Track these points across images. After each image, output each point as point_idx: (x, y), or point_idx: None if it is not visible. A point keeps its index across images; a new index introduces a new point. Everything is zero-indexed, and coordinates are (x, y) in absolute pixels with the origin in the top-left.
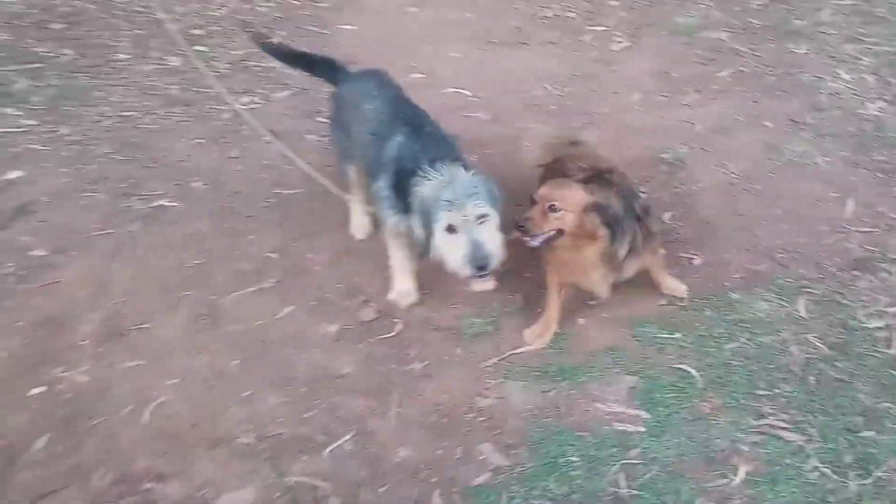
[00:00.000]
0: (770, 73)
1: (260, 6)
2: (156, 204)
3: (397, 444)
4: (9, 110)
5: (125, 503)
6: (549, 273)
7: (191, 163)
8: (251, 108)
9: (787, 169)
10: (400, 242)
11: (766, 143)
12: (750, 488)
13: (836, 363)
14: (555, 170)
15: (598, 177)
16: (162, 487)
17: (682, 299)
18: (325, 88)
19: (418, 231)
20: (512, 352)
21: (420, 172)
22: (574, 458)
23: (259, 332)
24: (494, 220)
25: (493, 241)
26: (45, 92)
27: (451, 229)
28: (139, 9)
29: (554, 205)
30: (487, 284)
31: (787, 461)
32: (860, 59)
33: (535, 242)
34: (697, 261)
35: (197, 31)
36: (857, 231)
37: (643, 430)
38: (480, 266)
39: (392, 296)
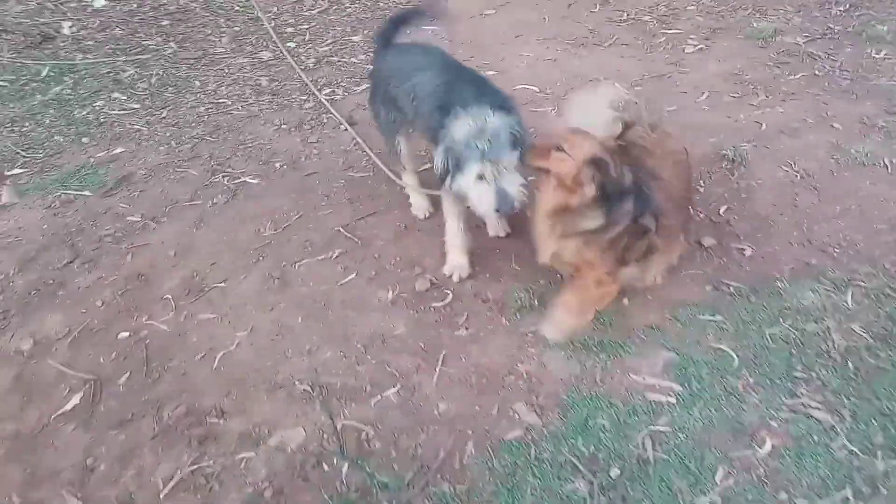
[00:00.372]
0: (845, 76)
1: (347, 7)
2: (240, 181)
3: (438, 399)
4: (117, 95)
5: (192, 433)
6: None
7: (274, 146)
8: (332, 99)
9: (853, 169)
10: (458, 211)
11: (832, 143)
12: (775, 460)
13: (879, 352)
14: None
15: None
16: (225, 422)
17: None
18: None
19: (440, 163)
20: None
21: (453, 112)
22: (604, 422)
23: (323, 295)
24: (516, 163)
25: (516, 187)
26: (149, 80)
27: (480, 177)
28: (238, 8)
29: (563, 146)
30: (501, 231)
31: (816, 438)
32: None
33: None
34: (749, 252)
35: (289, 30)
36: None
37: (674, 401)
38: (504, 210)
39: (446, 269)
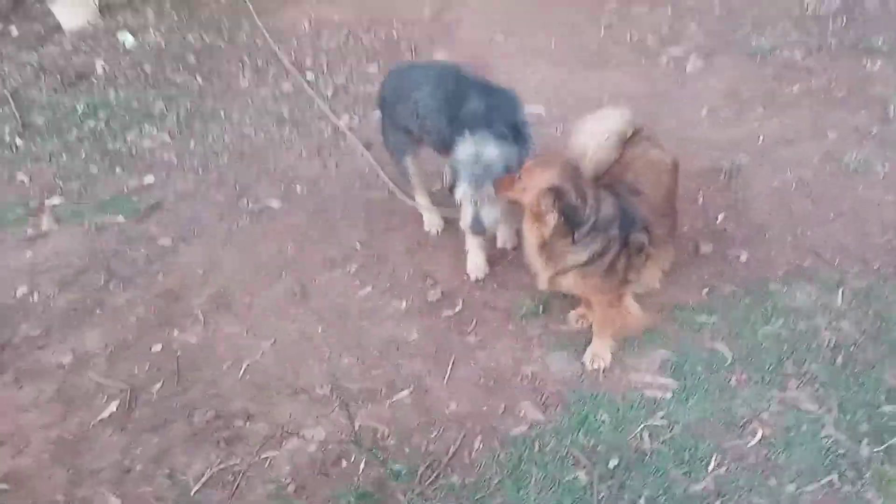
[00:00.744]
0: (840, 88)
1: (363, 38)
2: (263, 204)
3: (449, 399)
4: (147, 127)
5: (220, 435)
6: None
7: (295, 171)
8: (349, 125)
9: (846, 176)
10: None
11: (827, 152)
12: (765, 449)
13: (867, 348)
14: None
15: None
16: (250, 424)
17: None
18: None
19: (449, 172)
20: (558, 327)
21: (465, 135)
22: (604, 417)
23: (341, 306)
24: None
25: (490, 216)
26: (177, 113)
27: (464, 196)
28: (259, 43)
29: (520, 177)
30: (508, 244)
31: (804, 428)
32: None
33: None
34: (744, 257)
35: (308, 61)
36: None
37: (670, 396)
38: (477, 232)
39: (468, 268)
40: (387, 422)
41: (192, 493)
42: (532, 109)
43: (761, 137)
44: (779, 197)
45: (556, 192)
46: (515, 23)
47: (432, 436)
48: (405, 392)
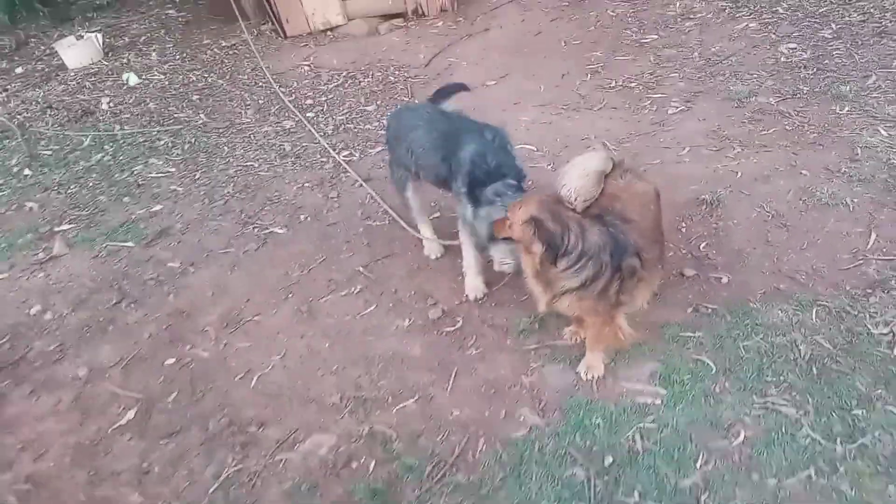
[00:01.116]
0: (812, 130)
1: (361, 81)
2: (269, 231)
3: (452, 406)
4: (153, 160)
5: (235, 440)
6: None
7: (298, 201)
8: (349, 160)
9: (818, 209)
10: (473, 239)
11: (801, 187)
12: (747, 448)
13: (839, 359)
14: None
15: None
16: (263, 430)
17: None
18: None
19: (469, 216)
20: (553, 342)
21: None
22: (598, 421)
23: (346, 324)
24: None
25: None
26: (182, 146)
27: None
28: (261, 84)
29: (507, 216)
30: (506, 267)
31: (784, 429)
32: None
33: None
34: (725, 280)
35: (308, 101)
36: (877, 259)
37: (659, 402)
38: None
39: (467, 290)
40: (395, 426)
41: (209, 492)
42: (524, 146)
43: (740, 173)
44: (756, 227)
45: (535, 222)
46: (506, 70)
47: (438, 439)
48: (411, 400)
